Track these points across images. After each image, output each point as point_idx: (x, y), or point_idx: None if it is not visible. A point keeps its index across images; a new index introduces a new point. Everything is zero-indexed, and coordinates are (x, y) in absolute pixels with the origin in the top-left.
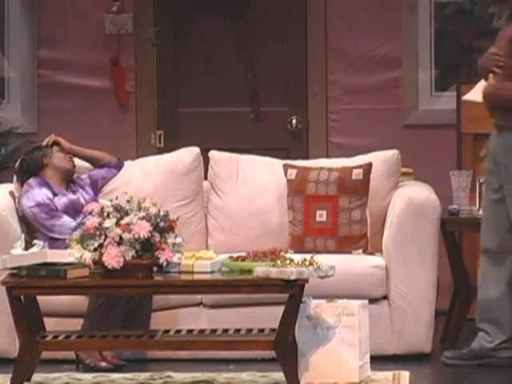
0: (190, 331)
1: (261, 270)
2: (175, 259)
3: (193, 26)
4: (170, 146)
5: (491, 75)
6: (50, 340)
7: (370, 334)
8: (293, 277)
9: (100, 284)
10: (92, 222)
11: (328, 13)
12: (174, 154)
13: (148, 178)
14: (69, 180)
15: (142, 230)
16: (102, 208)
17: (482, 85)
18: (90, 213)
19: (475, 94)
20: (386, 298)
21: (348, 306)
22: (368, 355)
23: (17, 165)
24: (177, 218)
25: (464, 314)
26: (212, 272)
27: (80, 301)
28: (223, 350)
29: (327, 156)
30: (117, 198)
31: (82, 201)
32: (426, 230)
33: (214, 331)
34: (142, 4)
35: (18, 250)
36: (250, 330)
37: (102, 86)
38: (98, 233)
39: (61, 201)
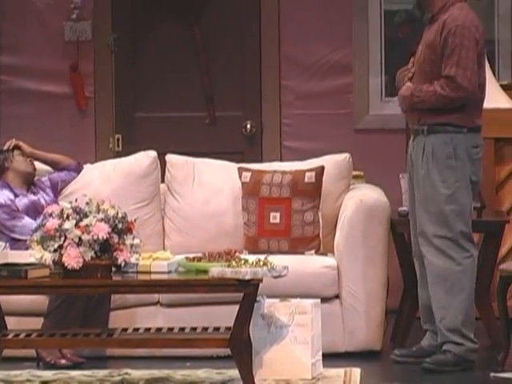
0: (147, 329)
1: (216, 270)
2: (133, 260)
3: (150, 33)
4: (128, 150)
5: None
6: (11, 338)
7: (323, 332)
8: (247, 277)
9: (60, 284)
10: (52, 223)
11: (281, 20)
12: (132, 158)
13: (107, 181)
14: (30, 182)
15: (101, 231)
16: (62, 210)
17: None
18: (50, 215)
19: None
20: (337, 297)
21: (301, 305)
22: (320, 353)
23: None
24: (135, 220)
25: (413, 312)
26: (169, 272)
27: (40, 300)
28: (180, 347)
29: (281, 159)
30: (76, 201)
31: (43, 202)
32: (376, 232)
33: (170, 329)
34: (100, 12)
35: None
36: (205, 329)
37: (62, 91)
38: (57, 234)
39: (22, 202)
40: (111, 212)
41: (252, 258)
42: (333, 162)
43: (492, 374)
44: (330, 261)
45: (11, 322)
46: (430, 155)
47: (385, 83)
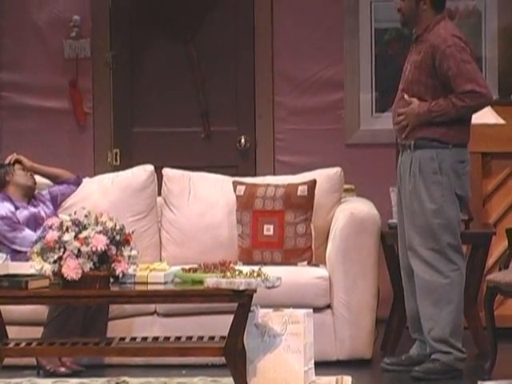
0: (144, 338)
1: (211, 280)
2: (130, 271)
3: (147, 50)
4: (125, 164)
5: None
6: (12, 347)
7: (315, 341)
8: (242, 287)
9: (59, 294)
10: (52, 235)
11: (274, 38)
12: (129, 172)
13: (105, 194)
14: (30, 195)
15: (99, 243)
16: (62, 222)
17: None
18: (50, 227)
19: None
20: (329, 307)
21: (294, 314)
22: (312, 361)
23: None
24: (132, 232)
25: (403, 322)
26: (165, 283)
27: (41, 310)
28: (176, 356)
29: (274, 173)
30: (75, 213)
31: (43, 214)
32: (367, 243)
33: (167, 338)
34: (99, 30)
35: None
36: (201, 338)
37: (62, 107)
38: (57, 246)
39: (22, 214)
40: (109, 224)
41: (246, 268)
42: (325, 176)
43: (479, 382)
44: (321, 272)
45: (12, 332)
46: (417, 170)
47: (375, 99)
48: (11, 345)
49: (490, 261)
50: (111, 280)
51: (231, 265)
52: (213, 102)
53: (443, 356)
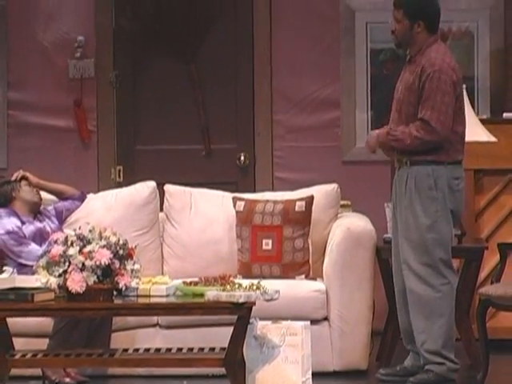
0: (147, 350)
1: (212, 293)
2: (133, 284)
3: (149, 70)
4: (128, 181)
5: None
6: (18, 358)
7: (312, 353)
8: (241, 300)
9: (64, 307)
10: (57, 250)
11: (273, 58)
12: (132, 188)
13: (109, 210)
14: (36, 211)
15: (103, 257)
16: (67, 237)
17: None
18: (55, 242)
19: None
20: (326, 319)
21: (292, 326)
22: (310, 372)
23: None
24: (135, 246)
25: (397, 334)
26: (167, 296)
27: (46, 322)
28: (177, 367)
29: (272, 189)
30: (80, 228)
31: (48, 229)
32: (362, 257)
33: (169, 350)
34: (102, 50)
35: None
36: (202, 349)
37: (66, 125)
38: (62, 260)
39: (28, 228)
40: (113, 239)
41: (245, 282)
42: (322, 192)
43: None
44: (319, 285)
45: (18, 343)
46: (413, 186)
47: (371, 118)
48: (17, 356)
49: (482, 274)
50: (115, 293)
51: (231, 278)
52: (213, 120)
53: (437, 367)
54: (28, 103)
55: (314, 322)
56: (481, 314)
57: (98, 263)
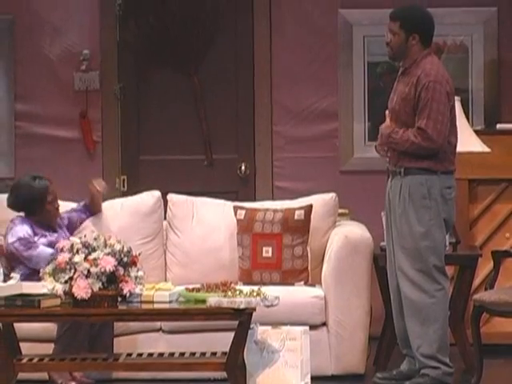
0: (150, 354)
1: (213, 300)
2: (137, 290)
3: (153, 82)
4: (132, 190)
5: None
6: (25, 362)
7: (311, 357)
8: (242, 306)
9: (70, 312)
10: (63, 257)
11: (273, 71)
12: (138, 197)
13: (115, 218)
14: (49, 225)
15: (108, 264)
16: (72, 245)
17: None
18: (62, 249)
19: None
20: (324, 324)
21: (291, 331)
22: (309, 376)
23: (20, 190)
24: (139, 254)
25: (394, 339)
26: (170, 302)
27: (52, 327)
28: (180, 371)
29: (272, 198)
30: (85, 236)
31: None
32: (360, 265)
33: (171, 354)
34: (107, 63)
35: None
36: (203, 354)
37: (72, 136)
38: (68, 267)
39: (40, 241)
40: (117, 246)
41: (246, 288)
42: (320, 201)
43: None
44: (317, 291)
45: (25, 348)
46: (407, 195)
47: (368, 129)
48: (25, 360)
49: (477, 281)
50: (119, 299)
51: (232, 285)
52: (215, 131)
53: (432, 371)
54: (35, 114)
55: (312, 327)
56: (475, 320)
57: (102, 270)
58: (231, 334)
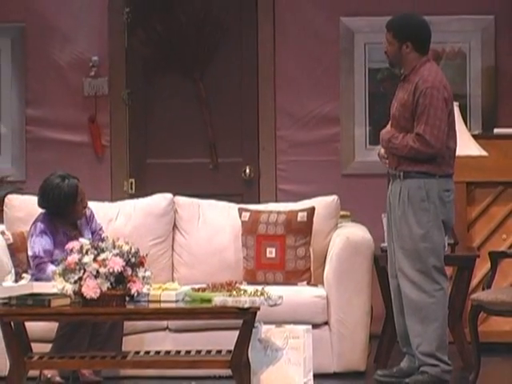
0: (157, 352)
1: (219, 299)
2: (145, 290)
3: (160, 88)
4: (140, 192)
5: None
6: (36, 360)
7: (313, 355)
8: (246, 305)
9: (79, 312)
10: (73, 258)
11: (276, 77)
12: (150, 199)
13: (128, 219)
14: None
15: (116, 265)
16: (82, 246)
17: None
18: (71, 250)
19: None
20: (326, 323)
21: (294, 330)
22: (311, 373)
23: (50, 192)
24: (146, 255)
25: (394, 337)
26: (177, 301)
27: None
28: (186, 368)
29: (276, 201)
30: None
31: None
32: (361, 265)
33: (178, 352)
34: (116, 69)
35: (8, 282)
36: (209, 351)
37: (81, 140)
38: (77, 267)
39: (59, 249)
40: (125, 248)
41: (250, 288)
42: (322, 203)
43: None
44: (320, 291)
45: (35, 347)
46: (406, 198)
47: (369, 133)
48: (35, 358)
49: (474, 281)
50: (127, 298)
51: (237, 285)
52: (220, 136)
53: (431, 368)
54: (45, 119)
55: (315, 326)
56: (473, 319)
57: (111, 270)
58: (236, 333)
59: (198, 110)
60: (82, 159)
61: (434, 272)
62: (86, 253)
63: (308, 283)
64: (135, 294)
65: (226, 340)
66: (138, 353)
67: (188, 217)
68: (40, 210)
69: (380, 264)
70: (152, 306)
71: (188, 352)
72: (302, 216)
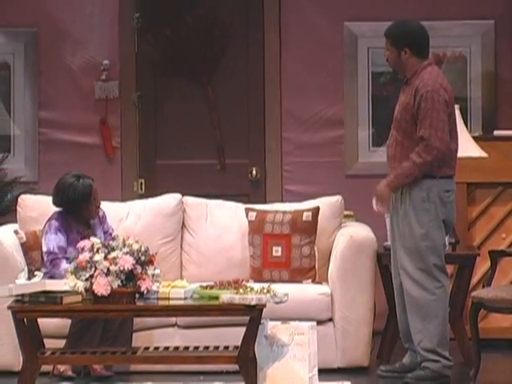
0: (166, 348)
1: (226, 296)
2: (154, 287)
3: (169, 91)
4: (150, 193)
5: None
6: (48, 355)
7: (318, 351)
8: (253, 302)
9: (91, 308)
10: (84, 256)
11: (282, 81)
12: (159, 199)
13: (138, 218)
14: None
15: (126, 263)
16: (93, 245)
17: None
18: (83, 249)
19: None
20: (331, 320)
21: (299, 327)
22: (316, 368)
23: (65, 191)
24: (155, 253)
25: (397, 333)
26: (185, 298)
27: (60, 324)
28: (194, 363)
29: (282, 201)
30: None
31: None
32: (364, 264)
33: (186, 348)
34: (126, 73)
35: (21, 280)
36: (216, 347)
37: (93, 142)
38: (89, 265)
39: (72, 246)
40: (135, 246)
41: (257, 286)
42: (327, 204)
43: None
44: (324, 289)
45: (48, 343)
46: (407, 198)
47: (372, 135)
48: (48, 353)
49: (475, 279)
50: (137, 296)
51: (244, 282)
52: (227, 138)
53: (432, 364)
54: (57, 122)
55: (319, 322)
56: (473, 316)
57: (121, 268)
58: (243, 329)
59: (206, 113)
60: (93, 160)
61: (434, 270)
62: (97, 251)
63: (313, 281)
64: (145, 292)
65: (233, 336)
66: (147, 348)
67: (196, 216)
68: (54, 209)
69: (383, 262)
70: (161, 303)
71: (196, 348)
72: (307, 216)
